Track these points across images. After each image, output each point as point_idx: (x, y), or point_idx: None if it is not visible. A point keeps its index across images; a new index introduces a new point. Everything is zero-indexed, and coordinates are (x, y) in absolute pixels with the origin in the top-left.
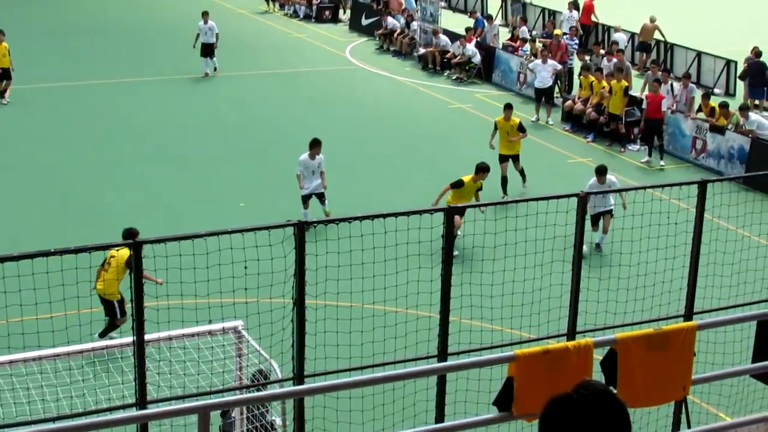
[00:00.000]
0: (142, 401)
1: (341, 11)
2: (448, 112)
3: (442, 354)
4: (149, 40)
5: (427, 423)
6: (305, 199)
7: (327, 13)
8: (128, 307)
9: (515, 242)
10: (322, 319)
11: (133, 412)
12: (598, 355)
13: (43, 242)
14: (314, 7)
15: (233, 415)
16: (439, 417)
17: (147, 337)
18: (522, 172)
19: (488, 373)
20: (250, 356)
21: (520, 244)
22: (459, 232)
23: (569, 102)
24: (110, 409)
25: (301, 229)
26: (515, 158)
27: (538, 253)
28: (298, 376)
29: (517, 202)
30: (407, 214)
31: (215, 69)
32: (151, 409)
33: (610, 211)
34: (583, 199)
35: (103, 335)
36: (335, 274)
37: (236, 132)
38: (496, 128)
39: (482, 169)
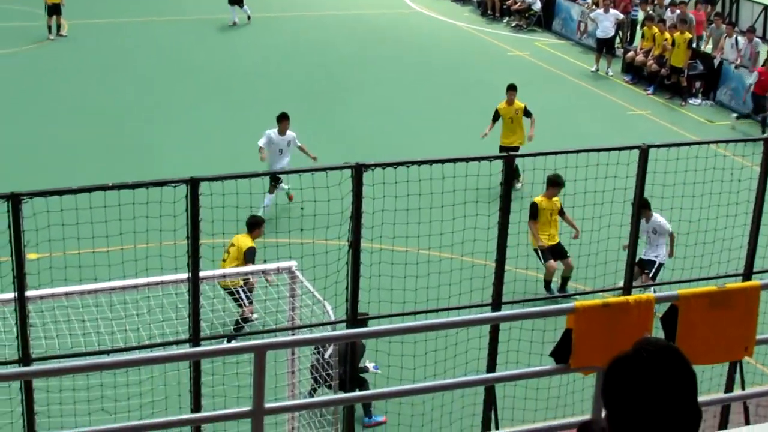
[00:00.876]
0: (195, 338)
1: None
2: (507, 59)
3: (497, 303)
4: None
5: (479, 371)
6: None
7: None
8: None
9: (574, 193)
10: (377, 262)
11: (188, 349)
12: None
13: (96, 178)
14: None
15: (330, 350)
16: (491, 366)
17: (201, 274)
18: (516, 169)
19: (542, 324)
20: (304, 297)
21: (578, 195)
22: (519, 185)
23: (631, 53)
24: (164, 345)
25: (358, 171)
26: (515, 151)
27: (596, 204)
28: (352, 319)
29: (577, 152)
30: (467, 160)
31: (248, 17)
32: (208, 347)
33: (654, 265)
34: (644, 151)
35: (236, 332)
36: (392, 218)
37: (290, 74)
38: (497, 116)
39: (554, 183)
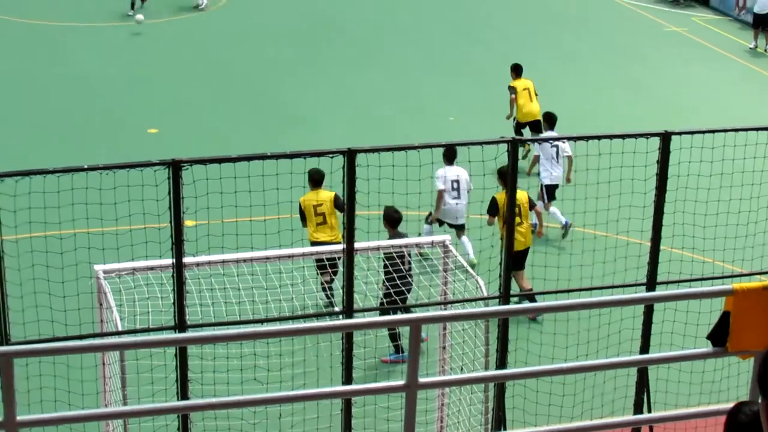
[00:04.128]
0: (348, 310)
1: None
2: (663, 35)
3: (651, 282)
4: None
5: (632, 353)
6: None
7: None
8: None
9: (732, 172)
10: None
11: (341, 321)
12: None
13: (251, 146)
14: None
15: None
16: (644, 347)
17: (356, 245)
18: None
19: (696, 306)
20: (456, 272)
21: (736, 174)
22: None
23: None
24: (317, 315)
25: (514, 146)
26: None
27: (755, 185)
28: (504, 296)
29: (735, 131)
30: (623, 137)
31: None
32: (361, 319)
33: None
34: None
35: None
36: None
37: (446, 41)
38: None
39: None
